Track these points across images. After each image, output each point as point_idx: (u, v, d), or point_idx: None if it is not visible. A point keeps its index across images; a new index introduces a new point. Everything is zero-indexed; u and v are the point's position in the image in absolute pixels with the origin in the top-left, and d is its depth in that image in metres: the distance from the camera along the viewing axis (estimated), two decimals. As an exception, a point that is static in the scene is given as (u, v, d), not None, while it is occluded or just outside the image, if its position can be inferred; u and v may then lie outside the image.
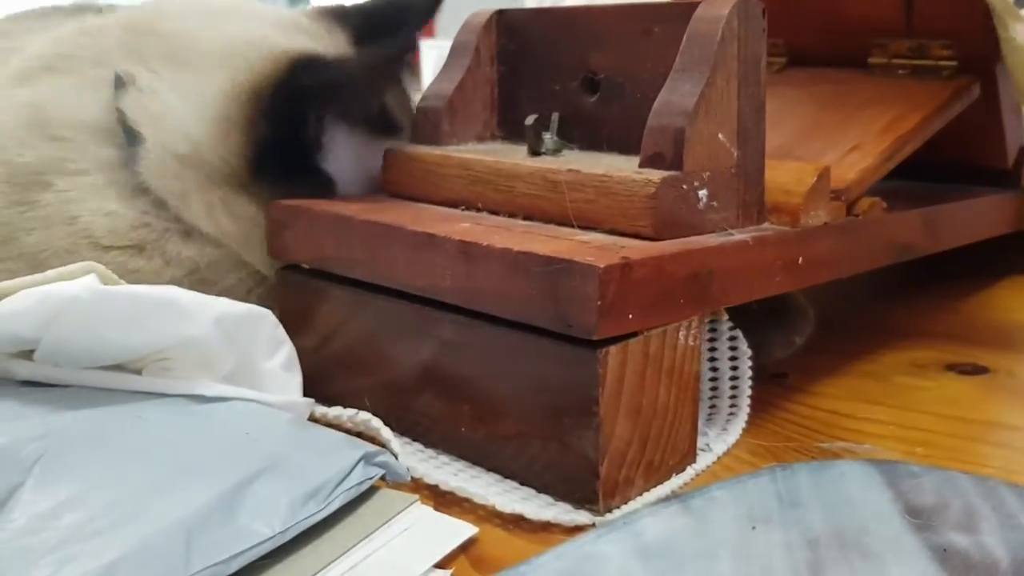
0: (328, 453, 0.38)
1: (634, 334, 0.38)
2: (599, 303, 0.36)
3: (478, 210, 0.47)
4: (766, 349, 0.52)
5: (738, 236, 0.43)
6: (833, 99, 0.62)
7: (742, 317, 0.46)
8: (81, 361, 0.42)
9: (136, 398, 0.42)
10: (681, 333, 0.41)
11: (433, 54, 2.18)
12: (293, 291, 0.51)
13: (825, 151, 0.55)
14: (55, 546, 0.32)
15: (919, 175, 0.62)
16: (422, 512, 0.38)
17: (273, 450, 0.38)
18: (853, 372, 0.55)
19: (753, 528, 0.35)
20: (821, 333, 0.56)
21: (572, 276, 0.37)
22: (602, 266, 0.36)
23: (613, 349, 0.37)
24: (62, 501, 0.34)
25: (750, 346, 0.46)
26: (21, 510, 0.34)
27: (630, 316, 0.38)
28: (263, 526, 0.34)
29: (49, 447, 0.37)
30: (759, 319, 0.47)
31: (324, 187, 0.53)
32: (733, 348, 0.46)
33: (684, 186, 0.42)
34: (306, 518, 0.35)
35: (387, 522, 0.37)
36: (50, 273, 0.43)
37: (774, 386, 0.52)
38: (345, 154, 0.54)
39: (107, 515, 0.34)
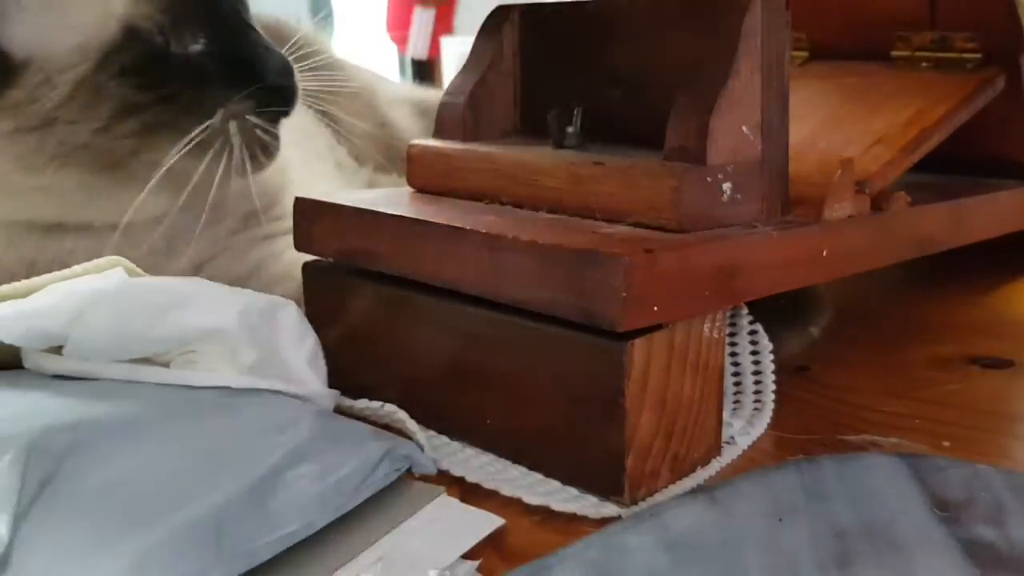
0: (355, 445, 0.39)
1: (659, 326, 0.38)
2: (624, 295, 0.36)
3: (502, 204, 0.47)
4: (782, 341, 0.51)
5: (762, 229, 0.43)
6: (857, 92, 0.62)
7: (758, 309, 0.45)
8: (109, 354, 0.43)
9: (164, 391, 0.42)
10: (706, 326, 0.41)
11: (455, 51, 2.19)
12: (319, 284, 0.51)
13: (849, 144, 0.54)
14: (86, 536, 0.32)
15: (943, 168, 0.61)
16: (449, 504, 0.38)
17: (300, 442, 0.38)
18: (877, 365, 0.55)
19: (780, 520, 0.35)
20: (844, 326, 0.56)
21: (597, 268, 0.37)
22: (627, 258, 0.36)
23: (638, 341, 0.38)
24: (92, 492, 0.35)
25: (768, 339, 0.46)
26: (52, 502, 0.34)
27: (655, 308, 0.38)
28: (291, 517, 0.34)
29: (80, 439, 0.37)
30: (775, 311, 0.47)
31: None
32: (754, 343, 0.46)
33: (708, 179, 0.42)
34: (333, 510, 0.35)
35: (414, 514, 0.37)
36: (76, 268, 0.44)
37: (797, 379, 0.52)
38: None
39: (137, 505, 0.34)
